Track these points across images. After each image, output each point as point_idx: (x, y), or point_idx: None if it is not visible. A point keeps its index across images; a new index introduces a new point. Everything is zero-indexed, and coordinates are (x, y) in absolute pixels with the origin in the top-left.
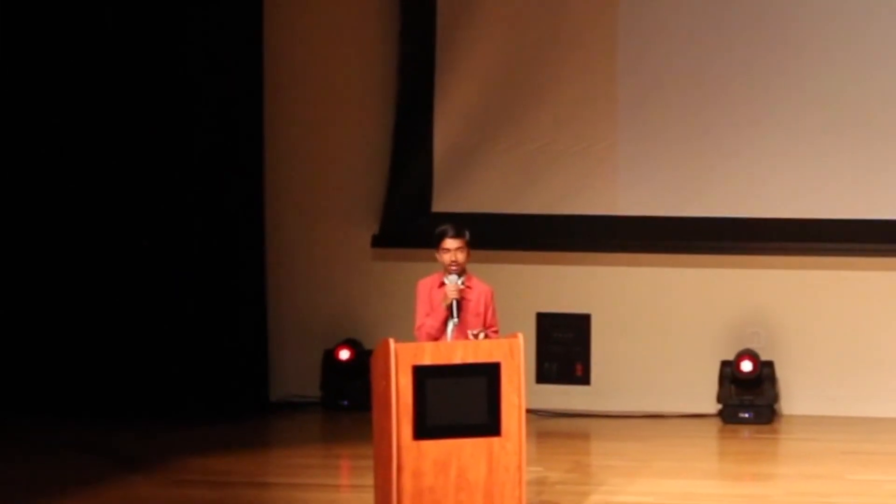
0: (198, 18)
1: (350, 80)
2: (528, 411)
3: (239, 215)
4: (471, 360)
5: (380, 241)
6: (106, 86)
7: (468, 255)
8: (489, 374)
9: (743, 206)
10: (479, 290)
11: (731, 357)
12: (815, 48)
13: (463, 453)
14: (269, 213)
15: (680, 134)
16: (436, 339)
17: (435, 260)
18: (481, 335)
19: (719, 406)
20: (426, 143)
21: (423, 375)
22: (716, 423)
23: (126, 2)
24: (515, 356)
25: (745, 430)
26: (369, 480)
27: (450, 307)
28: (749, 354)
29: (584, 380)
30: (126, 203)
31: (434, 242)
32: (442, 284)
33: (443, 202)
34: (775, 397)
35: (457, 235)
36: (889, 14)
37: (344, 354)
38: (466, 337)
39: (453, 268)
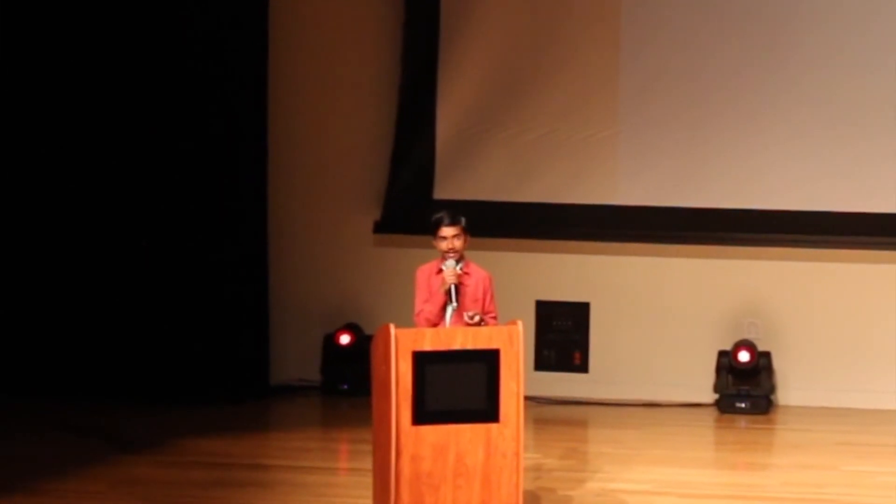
0: (200, 6)
1: (353, 68)
2: (527, 398)
3: (242, 201)
4: (470, 346)
5: (381, 228)
6: (107, 78)
7: (465, 242)
8: (488, 360)
9: (742, 197)
10: (477, 276)
11: (728, 347)
12: (813, 43)
13: (461, 439)
14: (271, 198)
15: (680, 125)
16: (435, 324)
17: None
18: (477, 317)
19: (716, 396)
20: (428, 130)
21: (423, 361)
22: (712, 413)
23: None
24: (514, 343)
25: (742, 420)
26: (368, 464)
27: (448, 292)
28: (746, 345)
29: (583, 368)
30: (129, 188)
31: (430, 230)
32: (440, 271)
33: (444, 189)
34: (772, 388)
35: (453, 223)
36: (887, 10)
37: (344, 339)
38: (465, 322)
39: (451, 254)
